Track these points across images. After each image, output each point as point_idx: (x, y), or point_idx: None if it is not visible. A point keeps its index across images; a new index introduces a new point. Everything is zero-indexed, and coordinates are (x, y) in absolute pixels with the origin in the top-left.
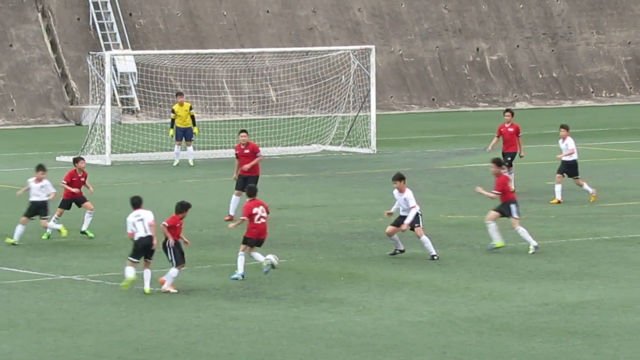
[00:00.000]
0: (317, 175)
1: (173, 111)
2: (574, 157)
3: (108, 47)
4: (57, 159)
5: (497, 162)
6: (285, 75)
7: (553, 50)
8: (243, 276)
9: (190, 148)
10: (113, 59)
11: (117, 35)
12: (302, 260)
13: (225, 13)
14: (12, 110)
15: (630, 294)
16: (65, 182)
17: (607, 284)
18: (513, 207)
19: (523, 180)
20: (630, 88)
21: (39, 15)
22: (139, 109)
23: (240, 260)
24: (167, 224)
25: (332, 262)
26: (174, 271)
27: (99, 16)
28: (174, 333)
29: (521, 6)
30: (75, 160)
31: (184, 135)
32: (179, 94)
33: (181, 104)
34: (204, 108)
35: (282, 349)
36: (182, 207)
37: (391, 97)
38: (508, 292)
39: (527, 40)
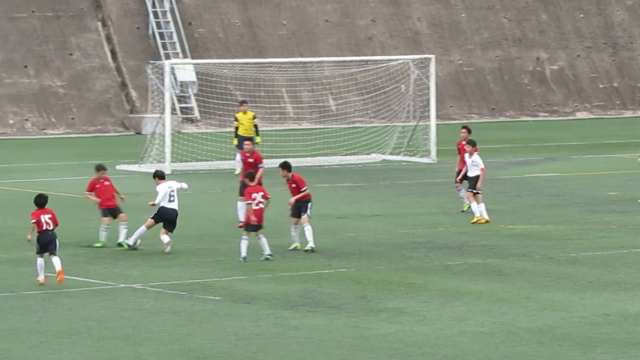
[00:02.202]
0: (376, 184)
1: (236, 119)
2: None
3: (168, 56)
4: (117, 167)
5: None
6: (344, 85)
7: (614, 60)
8: (245, 259)
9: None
10: (173, 68)
11: (177, 45)
12: (362, 269)
13: (284, 22)
14: (72, 118)
15: None
16: (88, 193)
17: None
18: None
19: (583, 190)
20: None
21: (99, 24)
22: (198, 117)
23: (243, 244)
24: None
25: (392, 271)
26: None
27: (158, 25)
28: (234, 342)
29: (581, 16)
30: (98, 168)
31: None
32: (243, 102)
33: (244, 112)
34: (263, 117)
35: (342, 358)
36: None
37: (451, 106)
38: (569, 303)
39: (588, 50)
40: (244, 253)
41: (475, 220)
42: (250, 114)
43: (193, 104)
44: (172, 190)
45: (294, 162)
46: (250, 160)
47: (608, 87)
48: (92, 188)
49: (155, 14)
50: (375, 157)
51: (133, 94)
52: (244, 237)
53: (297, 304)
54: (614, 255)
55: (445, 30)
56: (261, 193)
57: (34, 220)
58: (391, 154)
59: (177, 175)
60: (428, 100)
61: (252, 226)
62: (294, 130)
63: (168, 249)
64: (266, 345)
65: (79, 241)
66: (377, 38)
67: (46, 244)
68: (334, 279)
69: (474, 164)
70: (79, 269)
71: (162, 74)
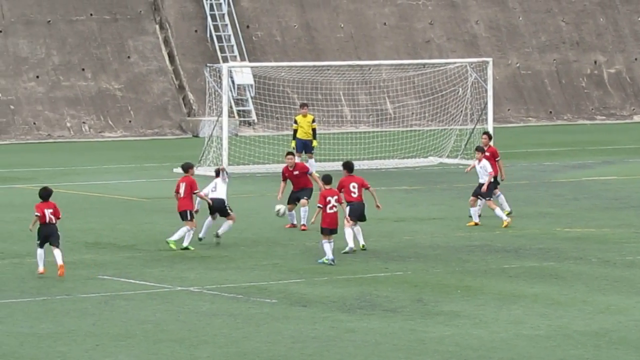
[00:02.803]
0: (433, 187)
1: (296, 121)
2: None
3: (225, 59)
4: (175, 170)
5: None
6: (402, 88)
7: None
8: (333, 260)
9: (312, 160)
10: (230, 71)
11: (234, 48)
12: (418, 272)
13: (342, 25)
14: (130, 121)
15: None
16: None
17: None
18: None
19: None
20: None
21: (157, 27)
22: (255, 120)
23: (326, 247)
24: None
25: (449, 274)
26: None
27: (216, 28)
28: (291, 345)
29: (639, 19)
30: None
31: (304, 147)
32: (304, 104)
33: (304, 115)
34: (320, 120)
35: None
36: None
37: (508, 109)
38: (626, 306)
39: None
40: (330, 255)
41: (472, 223)
42: (310, 117)
43: (250, 107)
44: (216, 183)
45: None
46: (296, 172)
47: None
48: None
49: (213, 17)
50: (433, 160)
51: (190, 96)
52: (324, 240)
53: (353, 307)
54: None
55: (503, 33)
56: (335, 197)
57: (38, 213)
58: (448, 157)
59: (234, 178)
60: (485, 103)
61: (329, 230)
62: (351, 133)
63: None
64: (322, 348)
65: (135, 244)
66: (435, 41)
67: (47, 236)
68: (391, 282)
69: (483, 169)
70: (135, 272)
71: (220, 77)
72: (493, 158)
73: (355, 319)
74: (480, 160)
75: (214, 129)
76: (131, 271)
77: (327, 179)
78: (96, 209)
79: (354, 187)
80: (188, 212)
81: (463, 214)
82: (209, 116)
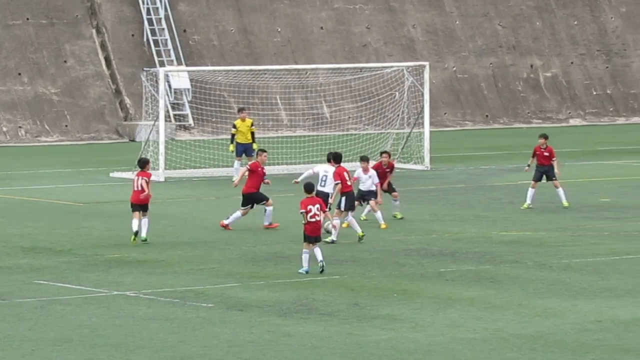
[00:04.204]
0: None
1: (234, 126)
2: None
3: (162, 64)
4: (111, 175)
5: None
6: (339, 92)
7: (607, 67)
8: (306, 272)
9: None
10: (167, 75)
11: (171, 52)
12: (355, 276)
13: (279, 29)
14: (66, 126)
15: None
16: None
17: None
18: (343, 199)
19: (576, 196)
20: None
21: (94, 31)
22: (192, 125)
23: (304, 257)
24: None
25: (386, 278)
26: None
27: (153, 32)
28: (227, 349)
29: (575, 23)
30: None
31: (245, 151)
32: (242, 109)
33: (243, 120)
34: (257, 124)
35: None
36: None
37: (445, 113)
38: (561, 309)
39: (581, 57)
40: (305, 266)
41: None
42: (248, 121)
43: (187, 111)
44: (325, 175)
45: (288, 169)
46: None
47: (602, 94)
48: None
49: (150, 21)
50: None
51: (127, 101)
52: (304, 250)
53: (290, 311)
54: (607, 261)
55: (440, 37)
56: (317, 205)
57: None
58: None
59: (170, 182)
60: (422, 107)
61: (311, 237)
62: (288, 137)
63: (326, 225)
64: (259, 353)
65: (72, 249)
66: (372, 45)
67: None
68: (327, 286)
69: (370, 179)
70: (71, 277)
71: (157, 81)
72: (550, 157)
73: (292, 323)
74: (366, 171)
75: (150, 133)
76: (68, 276)
77: (308, 187)
78: (33, 213)
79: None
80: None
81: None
82: (146, 120)
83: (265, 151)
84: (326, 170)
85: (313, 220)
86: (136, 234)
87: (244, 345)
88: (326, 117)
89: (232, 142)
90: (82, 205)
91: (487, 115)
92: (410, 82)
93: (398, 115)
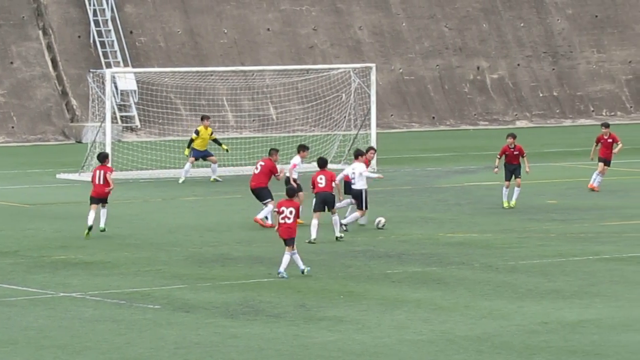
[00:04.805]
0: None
1: (197, 132)
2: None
3: (109, 65)
4: (58, 176)
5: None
6: (285, 93)
7: (554, 69)
8: (280, 274)
9: (215, 166)
10: (113, 77)
11: (118, 53)
12: (302, 278)
13: (226, 31)
14: (13, 127)
15: (630, 313)
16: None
17: (607, 303)
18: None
19: (523, 198)
20: (631, 107)
21: (40, 32)
22: (139, 126)
23: (284, 259)
24: None
25: (332, 280)
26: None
27: (99, 34)
28: (174, 351)
29: (522, 25)
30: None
31: (202, 155)
32: (206, 117)
33: (206, 127)
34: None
35: None
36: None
37: (391, 115)
38: (508, 311)
39: (528, 59)
40: (281, 268)
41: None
42: (209, 130)
43: (134, 112)
44: (353, 173)
45: (234, 170)
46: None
47: (548, 96)
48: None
49: (97, 23)
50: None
51: (74, 102)
52: (285, 252)
53: (236, 312)
54: (553, 263)
55: (387, 39)
56: (291, 209)
57: None
58: (332, 162)
59: (117, 184)
60: (369, 109)
61: (283, 239)
62: (234, 138)
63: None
64: (205, 354)
65: (18, 250)
66: (319, 47)
67: None
68: (274, 288)
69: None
70: (18, 278)
71: (103, 83)
72: (520, 156)
73: (238, 325)
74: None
75: (97, 134)
76: (14, 277)
77: (288, 192)
78: None
79: (320, 179)
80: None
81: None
82: (92, 122)
83: (277, 150)
84: (354, 168)
85: (283, 221)
86: (90, 228)
87: (191, 347)
88: (273, 118)
89: (188, 147)
90: (29, 207)
91: (433, 117)
92: (357, 83)
93: (345, 117)
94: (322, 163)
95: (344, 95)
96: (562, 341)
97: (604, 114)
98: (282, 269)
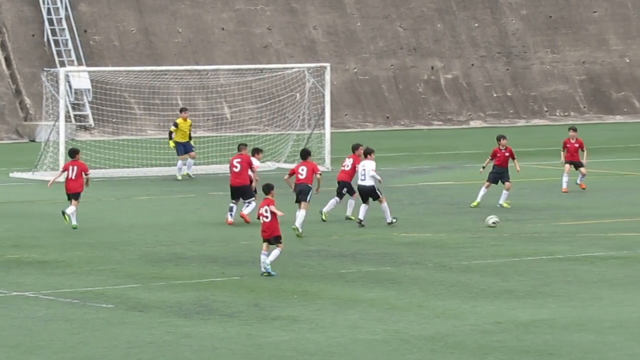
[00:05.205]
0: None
1: (176, 125)
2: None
3: (63, 64)
4: (11, 175)
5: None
6: (239, 93)
7: (508, 69)
8: (263, 273)
9: (191, 161)
10: (67, 76)
11: (72, 52)
12: (256, 277)
13: (180, 30)
14: None
15: (583, 312)
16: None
17: (560, 303)
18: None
19: (476, 198)
20: (585, 107)
21: None
22: (93, 125)
23: (261, 258)
24: None
25: (286, 279)
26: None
27: (53, 32)
28: (127, 350)
29: (476, 25)
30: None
31: (185, 149)
32: (184, 109)
33: (185, 119)
34: (158, 125)
35: None
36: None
37: (346, 115)
38: (461, 311)
39: (482, 59)
40: (262, 267)
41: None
42: (189, 122)
43: (87, 111)
44: (364, 170)
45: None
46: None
47: (502, 96)
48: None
49: (51, 21)
50: (270, 165)
51: (27, 101)
52: (263, 251)
53: (190, 312)
54: (507, 263)
55: (341, 38)
56: (266, 207)
57: None
58: (286, 162)
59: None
60: (323, 108)
61: (267, 240)
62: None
63: (390, 220)
64: (159, 354)
65: None
66: (273, 46)
67: None
68: (228, 287)
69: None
70: None
71: (57, 82)
72: (510, 157)
73: (192, 324)
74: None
75: (50, 133)
76: None
77: (264, 188)
78: None
79: (302, 170)
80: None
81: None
82: (46, 121)
83: (246, 145)
84: (364, 165)
85: (260, 220)
86: (63, 213)
87: (144, 347)
88: (227, 117)
89: (170, 139)
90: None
91: (387, 117)
92: (311, 83)
93: (299, 117)
94: (305, 154)
95: (298, 94)
96: (515, 341)
97: (557, 114)
98: (262, 269)
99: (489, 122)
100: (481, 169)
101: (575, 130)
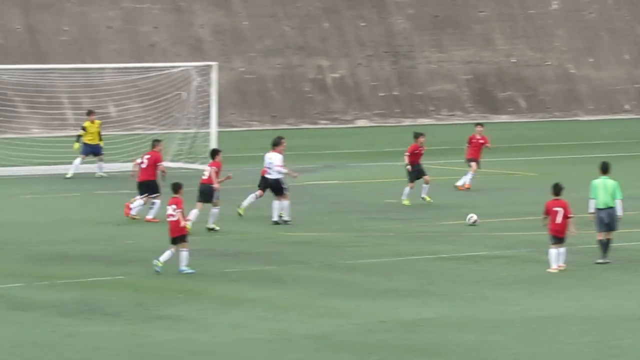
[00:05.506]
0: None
1: (84, 128)
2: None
3: None
4: None
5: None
6: (125, 91)
7: (394, 69)
8: (156, 270)
9: (101, 163)
10: None
11: None
12: (140, 277)
13: (66, 28)
14: None
15: (466, 312)
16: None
17: (444, 302)
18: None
19: (362, 197)
20: (471, 107)
21: None
22: None
23: (165, 254)
24: None
25: (170, 278)
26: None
27: None
28: (9, 350)
29: (363, 24)
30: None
31: (93, 151)
32: (92, 112)
33: (92, 122)
34: (42, 124)
35: None
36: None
37: (232, 114)
38: (346, 310)
39: (369, 59)
40: (158, 267)
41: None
42: (97, 123)
43: None
44: (271, 162)
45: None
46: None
47: (388, 96)
48: None
49: None
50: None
51: None
52: (169, 248)
53: (73, 311)
54: (391, 262)
55: (228, 37)
56: (173, 206)
57: None
58: (172, 160)
59: None
60: (209, 107)
61: (171, 239)
62: (73, 137)
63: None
64: (42, 354)
65: None
66: (160, 45)
67: None
68: (112, 286)
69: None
70: None
71: None
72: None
73: (75, 324)
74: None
75: None
76: None
77: (173, 186)
78: None
79: (206, 171)
80: None
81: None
82: None
83: (160, 140)
84: (270, 157)
85: (168, 220)
86: None
87: (27, 346)
88: (112, 116)
89: (77, 141)
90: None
91: (274, 116)
92: (198, 82)
93: (185, 115)
94: (214, 154)
95: (184, 93)
96: (399, 340)
97: (443, 113)
98: (182, 266)
99: (375, 122)
100: (408, 167)
101: (482, 126)
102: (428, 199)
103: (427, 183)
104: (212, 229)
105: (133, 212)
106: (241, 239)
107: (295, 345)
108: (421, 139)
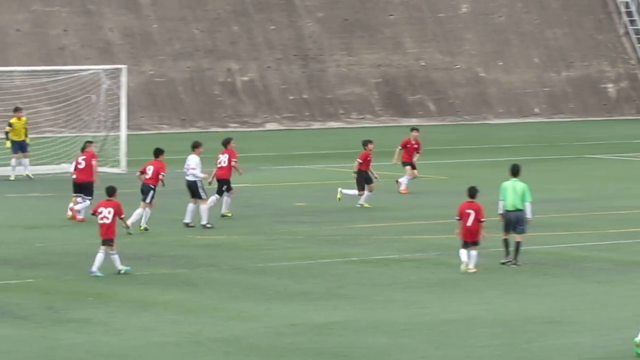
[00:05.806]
0: (66, 194)
1: (10, 125)
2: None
3: None
4: None
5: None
6: (35, 95)
7: (304, 72)
8: (91, 273)
9: (26, 160)
10: None
11: None
12: (50, 280)
13: None
14: None
15: (377, 315)
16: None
17: (354, 305)
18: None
19: (272, 201)
20: (380, 110)
21: None
22: None
23: (97, 257)
24: None
25: (80, 281)
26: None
27: None
28: None
29: (272, 27)
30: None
31: (20, 147)
32: (19, 109)
33: (19, 118)
34: None
35: None
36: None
37: (142, 117)
38: (256, 313)
39: (278, 62)
40: (93, 268)
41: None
42: (23, 119)
43: None
44: (188, 164)
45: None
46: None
47: (298, 99)
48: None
49: None
50: (65, 167)
51: None
52: (99, 250)
53: None
54: (301, 265)
55: (137, 40)
56: (109, 209)
57: None
58: None
59: None
60: (119, 110)
61: (102, 240)
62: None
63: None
64: None
65: None
66: (69, 48)
67: None
68: (22, 289)
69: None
70: None
71: None
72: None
73: None
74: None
75: None
76: None
77: (108, 190)
78: None
79: (149, 169)
80: None
81: (94, 220)
82: None
83: (92, 142)
84: (188, 159)
85: (102, 222)
86: None
87: None
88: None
89: (7, 139)
90: None
91: (183, 119)
92: (107, 85)
93: (94, 119)
94: (157, 153)
95: (93, 96)
96: (309, 343)
97: (353, 116)
98: (95, 268)
99: (285, 125)
100: (353, 175)
101: (417, 130)
102: (366, 205)
103: (370, 191)
104: (146, 229)
105: (80, 215)
106: (152, 242)
107: (205, 348)
108: (370, 146)
